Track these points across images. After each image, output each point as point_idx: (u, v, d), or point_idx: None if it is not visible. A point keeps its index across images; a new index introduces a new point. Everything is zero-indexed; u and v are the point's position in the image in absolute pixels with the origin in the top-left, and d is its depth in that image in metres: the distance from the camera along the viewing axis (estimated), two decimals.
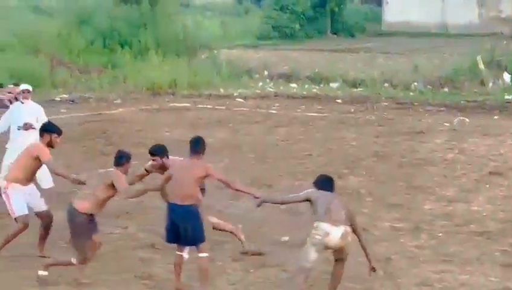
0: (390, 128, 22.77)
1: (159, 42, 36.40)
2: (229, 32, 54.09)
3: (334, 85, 33.05)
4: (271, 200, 10.38)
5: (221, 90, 31.69)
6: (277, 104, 28.05)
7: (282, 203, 11.24)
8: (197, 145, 9.80)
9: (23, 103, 14.54)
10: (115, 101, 28.80)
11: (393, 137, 21.25)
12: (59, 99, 28.94)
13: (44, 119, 14.31)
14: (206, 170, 9.66)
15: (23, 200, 10.84)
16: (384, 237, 12.42)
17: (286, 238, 12.14)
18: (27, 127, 14.19)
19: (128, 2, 38.94)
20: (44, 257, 10.90)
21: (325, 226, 9.14)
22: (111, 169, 9.76)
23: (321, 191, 9.58)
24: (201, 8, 69.10)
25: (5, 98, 26.79)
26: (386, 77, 32.72)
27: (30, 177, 10.92)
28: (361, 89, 31.58)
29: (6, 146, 14.67)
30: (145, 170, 10.68)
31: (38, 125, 13.95)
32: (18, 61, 31.44)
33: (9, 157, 14.02)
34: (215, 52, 38.20)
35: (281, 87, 32.62)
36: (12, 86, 27.80)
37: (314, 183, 9.78)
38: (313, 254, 9.16)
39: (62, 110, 26.21)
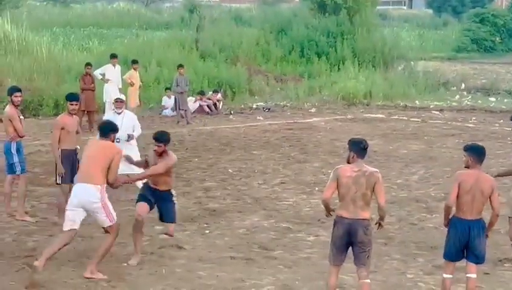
0: None
1: (355, 53, 36.44)
2: (427, 44, 53.54)
3: None
4: None
5: (417, 102, 31.36)
6: (474, 118, 27.45)
7: None
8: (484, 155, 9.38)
9: (119, 113, 14.32)
10: (310, 110, 29.09)
11: None
12: (255, 106, 29.56)
13: (139, 127, 14.54)
14: (493, 185, 9.24)
15: None
16: None
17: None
18: (129, 138, 14.25)
19: (326, 12, 39.20)
20: None
21: None
22: (375, 169, 9.06)
23: None
24: (399, 20, 68.74)
25: (204, 104, 27.74)
26: None
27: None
28: None
29: None
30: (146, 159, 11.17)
31: (135, 135, 14.37)
32: (218, 69, 32.36)
33: None
34: (412, 63, 37.85)
35: (479, 101, 31.89)
36: (211, 93, 28.77)
37: None
38: None
39: (258, 118, 26.74)
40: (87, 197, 10.09)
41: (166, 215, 11.16)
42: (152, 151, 11.03)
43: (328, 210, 9.17)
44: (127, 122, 14.38)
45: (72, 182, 12.78)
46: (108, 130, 10.53)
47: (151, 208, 11.14)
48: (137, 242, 11.12)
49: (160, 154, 10.93)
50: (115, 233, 10.41)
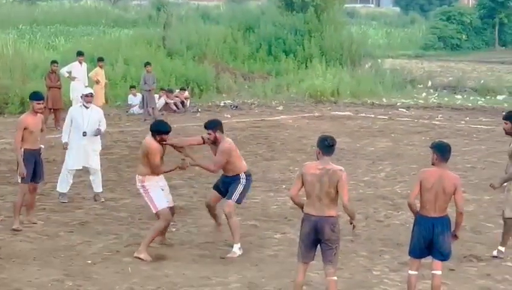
0: None
1: (323, 50, 36.50)
2: (394, 42, 53.81)
3: (500, 97, 32.24)
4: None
5: (384, 99, 31.48)
6: (440, 115, 27.60)
7: None
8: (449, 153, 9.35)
9: (87, 107, 14.26)
10: (277, 108, 29.10)
11: None
12: (223, 104, 29.52)
13: (104, 122, 14.55)
14: (456, 184, 9.17)
15: (161, 193, 11.27)
16: None
17: None
18: (97, 133, 14.23)
19: (293, 9, 39.23)
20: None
21: None
22: (339, 167, 9.00)
23: None
24: (367, 18, 69.06)
25: (171, 102, 27.66)
26: None
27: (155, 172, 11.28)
28: None
29: (68, 147, 14.30)
30: (202, 138, 11.53)
31: (102, 129, 14.39)
32: (185, 67, 32.27)
33: (73, 162, 14.30)
34: (379, 61, 37.99)
35: (445, 98, 32.09)
36: (178, 90, 28.68)
37: None
38: None
39: (226, 115, 26.69)
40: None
41: (228, 193, 11.53)
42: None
43: (301, 207, 9.20)
44: (95, 116, 14.32)
45: (33, 181, 12.66)
46: (153, 130, 11.17)
47: (223, 196, 11.66)
48: (215, 219, 12.19)
49: (214, 142, 11.39)
50: (161, 220, 11.18)
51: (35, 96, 12.68)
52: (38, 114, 12.64)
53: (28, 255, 11.10)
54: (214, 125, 11.34)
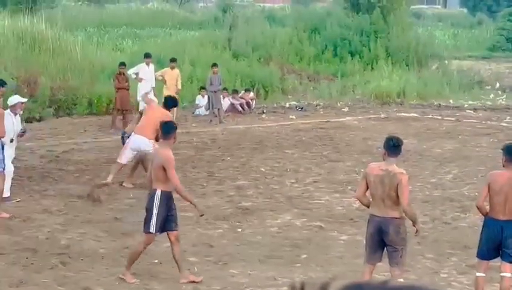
0: None
1: (389, 52, 36.23)
2: (461, 43, 53.16)
3: None
4: None
5: (451, 101, 31.12)
6: (509, 117, 27.17)
7: None
8: None
9: (16, 114, 13.90)
10: (343, 109, 28.98)
11: None
12: (288, 105, 29.49)
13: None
14: None
15: None
16: None
17: None
18: (22, 132, 14.01)
19: (359, 11, 39.04)
20: None
21: None
22: (400, 170, 8.99)
23: None
24: (433, 19, 68.39)
25: (237, 103, 27.75)
26: None
27: None
28: None
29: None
30: None
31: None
32: (251, 68, 32.35)
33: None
34: (446, 62, 37.58)
35: None
36: (244, 92, 28.77)
37: None
38: None
39: (291, 117, 26.70)
40: None
41: None
42: None
43: (368, 206, 9.21)
44: (19, 124, 14.15)
45: None
46: None
47: None
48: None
49: None
50: None
51: None
52: None
53: (96, 254, 11.24)
54: None
